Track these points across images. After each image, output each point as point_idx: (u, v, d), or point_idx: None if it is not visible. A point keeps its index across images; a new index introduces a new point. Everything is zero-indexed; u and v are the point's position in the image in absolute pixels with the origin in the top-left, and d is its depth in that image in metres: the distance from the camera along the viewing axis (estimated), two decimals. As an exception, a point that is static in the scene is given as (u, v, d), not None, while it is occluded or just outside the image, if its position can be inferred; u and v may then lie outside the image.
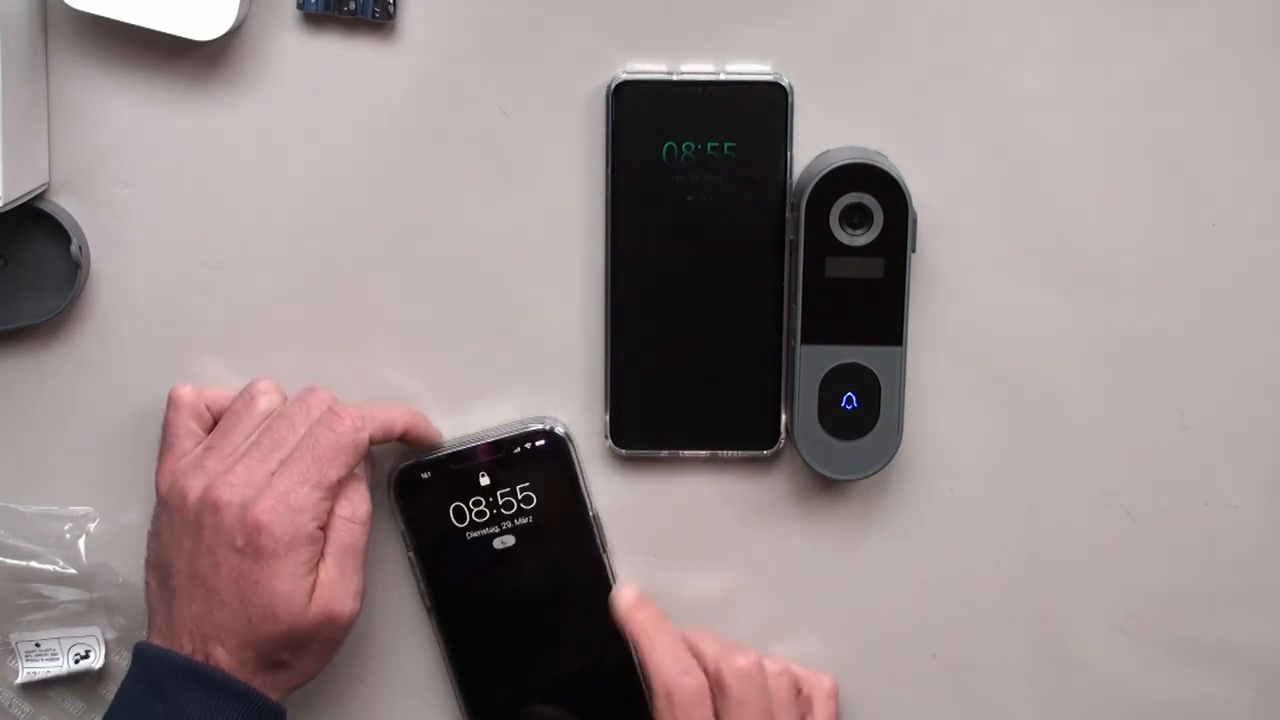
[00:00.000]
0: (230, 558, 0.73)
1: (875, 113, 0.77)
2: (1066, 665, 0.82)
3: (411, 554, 0.80)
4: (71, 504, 0.81)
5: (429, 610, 0.81)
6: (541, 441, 0.79)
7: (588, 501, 0.80)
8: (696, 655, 0.77)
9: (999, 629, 0.82)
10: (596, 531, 0.80)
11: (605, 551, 0.80)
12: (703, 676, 0.76)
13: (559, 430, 0.79)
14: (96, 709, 0.83)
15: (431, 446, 0.79)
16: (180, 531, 0.74)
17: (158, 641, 0.74)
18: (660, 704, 0.75)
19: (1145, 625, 0.82)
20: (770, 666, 0.77)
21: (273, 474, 0.74)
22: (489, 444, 0.79)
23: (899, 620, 0.82)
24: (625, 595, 0.79)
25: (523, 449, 0.79)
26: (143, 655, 0.74)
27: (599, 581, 0.80)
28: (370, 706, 0.83)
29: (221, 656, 0.73)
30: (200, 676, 0.72)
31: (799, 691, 0.79)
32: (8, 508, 0.80)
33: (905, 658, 0.82)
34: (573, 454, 0.79)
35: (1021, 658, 0.82)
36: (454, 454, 0.79)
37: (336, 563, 0.74)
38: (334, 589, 0.74)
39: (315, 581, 0.73)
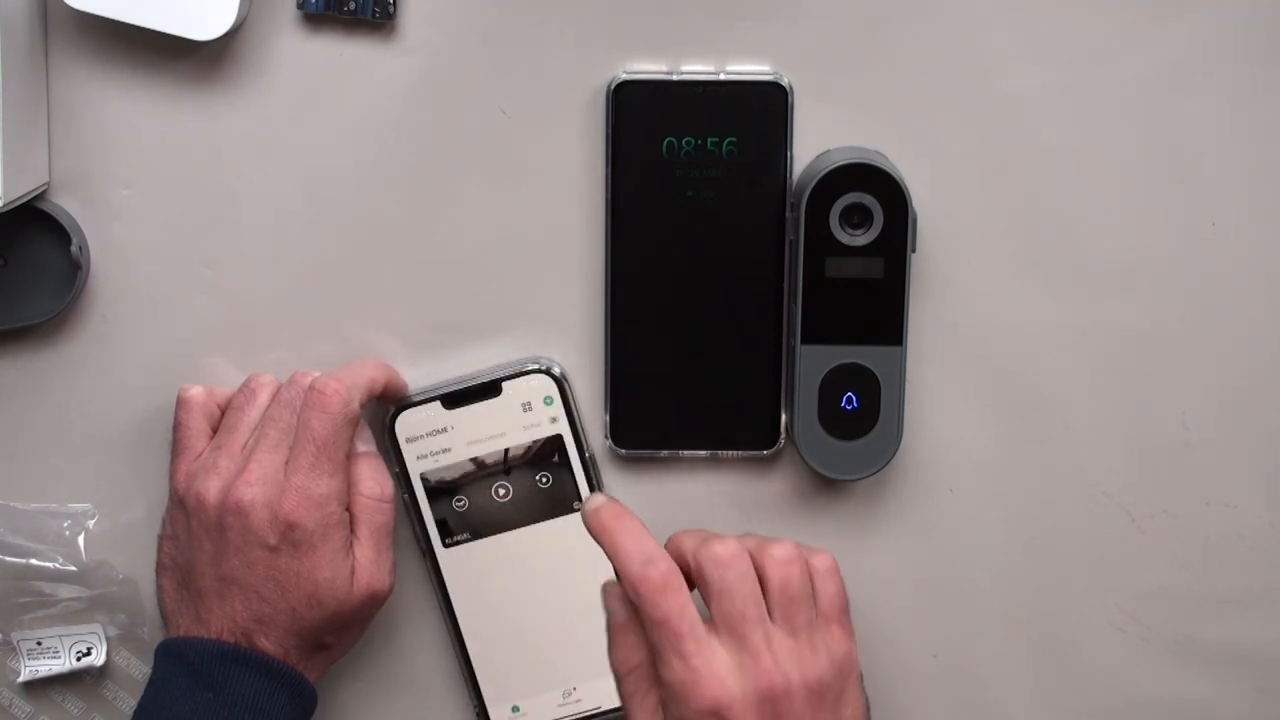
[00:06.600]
0: (263, 556, 0.73)
1: (875, 113, 0.77)
2: (1066, 665, 0.82)
3: (406, 497, 0.80)
4: (70, 503, 0.81)
5: (424, 552, 0.80)
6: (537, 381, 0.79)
7: (584, 442, 0.80)
8: (678, 552, 0.72)
9: (999, 629, 0.82)
10: (593, 472, 0.80)
11: (601, 491, 0.80)
12: (670, 563, 0.70)
13: (555, 370, 0.79)
14: (97, 708, 0.83)
15: (404, 394, 0.79)
16: (200, 534, 0.75)
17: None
18: (632, 599, 0.70)
19: (1145, 625, 0.82)
20: (778, 554, 0.71)
21: (286, 464, 0.74)
22: (484, 384, 0.79)
23: (899, 620, 0.82)
24: (589, 503, 0.73)
25: None
26: (180, 649, 0.75)
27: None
28: (369, 704, 0.83)
29: (266, 646, 0.74)
30: (251, 661, 0.73)
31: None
32: (6, 505, 0.80)
33: (905, 658, 0.82)
34: (569, 394, 0.79)
35: (1021, 658, 0.82)
36: (449, 394, 0.79)
37: (372, 543, 0.76)
38: (372, 568, 0.76)
39: (353, 564, 0.75)
